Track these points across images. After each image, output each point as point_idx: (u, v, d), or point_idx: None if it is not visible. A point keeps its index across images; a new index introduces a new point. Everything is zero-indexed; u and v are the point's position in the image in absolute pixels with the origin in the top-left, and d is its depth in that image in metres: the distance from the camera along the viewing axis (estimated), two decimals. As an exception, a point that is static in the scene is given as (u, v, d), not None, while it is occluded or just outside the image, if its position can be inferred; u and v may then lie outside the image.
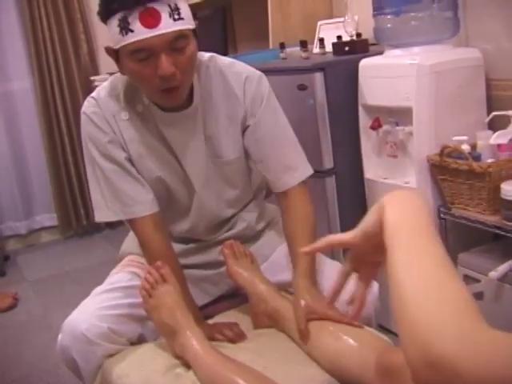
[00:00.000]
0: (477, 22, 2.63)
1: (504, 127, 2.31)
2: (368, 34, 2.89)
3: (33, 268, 4.57)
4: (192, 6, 4.16)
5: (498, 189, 2.14)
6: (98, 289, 1.93)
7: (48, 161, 4.93)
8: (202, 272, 2.06)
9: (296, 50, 3.13)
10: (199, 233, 2.04)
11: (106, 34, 1.66)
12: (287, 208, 1.92)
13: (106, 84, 1.89)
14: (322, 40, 3.13)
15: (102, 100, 1.84)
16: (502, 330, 2.15)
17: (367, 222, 1.13)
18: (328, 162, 2.76)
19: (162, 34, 1.58)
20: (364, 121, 2.71)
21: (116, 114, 1.84)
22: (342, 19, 3.04)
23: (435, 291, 0.84)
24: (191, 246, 2.07)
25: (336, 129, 2.75)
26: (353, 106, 2.73)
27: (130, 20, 1.56)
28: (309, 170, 1.96)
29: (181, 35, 1.61)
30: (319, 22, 3.37)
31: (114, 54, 1.68)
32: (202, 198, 1.93)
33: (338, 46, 2.95)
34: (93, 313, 1.79)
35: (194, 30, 1.68)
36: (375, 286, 1.92)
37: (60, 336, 1.82)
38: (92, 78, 4.82)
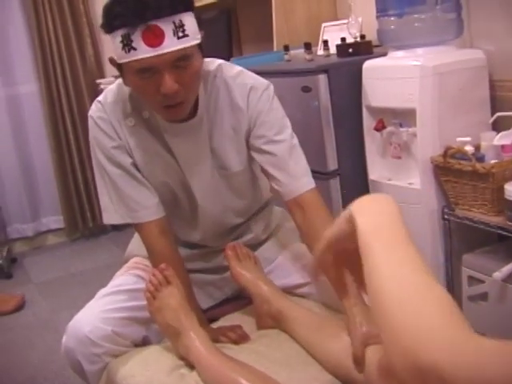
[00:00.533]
0: (480, 23, 2.63)
1: (508, 128, 2.31)
2: (372, 36, 2.89)
3: (39, 270, 4.58)
4: (197, 9, 4.15)
5: (501, 189, 2.14)
6: (103, 291, 1.94)
7: (54, 163, 4.94)
8: (206, 276, 2.08)
9: (300, 51, 3.14)
10: (205, 239, 2.04)
11: (112, 46, 1.65)
12: (305, 221, 1.83)
13: (114, 87, 1.87)
14: (326, 42, 3.14)
15: (109, 105, 1.83)
16: (506, 331, 2.15)
17: (334, 233, 1.08)
18: (332, 164, 2.77)
19: (165, 54, 1.54)
20: (368, 122, 2.72)
21: (122, 120, 1.82)
22: (345, 21, 3.05)
23: (420, 299, 0.82)
24: (196, 251, 2.08)
25: (340, 130, 2.76)
26: (357, 108, 2.73)
27: (132, 38, 1.53)
28: (312, 182, 1.89)
29: (185, 55, 1.58)
30: (323, 24, 3.39)
31: (118, 65, 1.66)
32: (206, 208, 1.93)
33: (342, 47, 2.96)
34: (97, 315, 1.80)
35: (199, 44, 1.64)
36: None
37: (64, 338, 1.83)
38: (98, 81, 4.83)
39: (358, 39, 2.94)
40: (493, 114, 2.45)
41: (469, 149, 2.27)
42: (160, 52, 1.53)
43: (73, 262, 4.66)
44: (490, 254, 2.39)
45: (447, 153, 2.31)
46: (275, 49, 3.49)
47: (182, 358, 1.71)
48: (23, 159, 4.95)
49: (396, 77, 2.50)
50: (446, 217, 2.43)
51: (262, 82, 1.88)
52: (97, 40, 4.91)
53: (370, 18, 2.82)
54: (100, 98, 1.87)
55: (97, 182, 1.91)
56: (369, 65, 2.67)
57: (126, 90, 1.82)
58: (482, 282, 2.33)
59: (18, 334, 3.54)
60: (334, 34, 3.23)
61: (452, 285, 2.52)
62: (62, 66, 4.82)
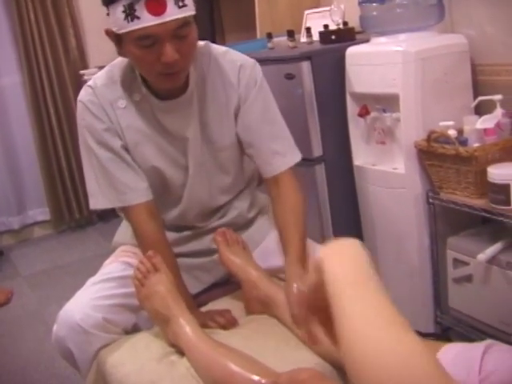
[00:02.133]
0: (461, 8, 2.64)
1: (490, 112, 2.33)
2: (354, 23, 2.90)
3: (26, 263, 4.58)
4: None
5: (484, 172, 2.16)
6: (92, 279, 1.95)
7: (39, 155, 4.93)
8: (194, 260, 2.08)
9: (283, 39, 3.14)
10: (190, 219, 2.05)
11: (95, 26, 1.67)
12: (277, 196, 1.93)
13: (103, 73, 1.90)
14: (308, 29, 3.14)
15: (99, 89, 1.86)
16: (491, 311, 2.17)
17: (308, 284, 1.06)
18: (317, 150, 2.78)
19: (168, 22, 1.60)
20: (352, 108, 2.73)
21: (113, 102, 1.85)
22: (328, 8, 3.06)
23: (391, 358, 0.80)
24: (184, 233, 2.08)
25: (324, 117, 2.78)
26: (340, 94, 2.74)
27: (136, 7, 1.57)
28: (297, 157, 1.98)
29: (185, 22, 1.64)
30: (306, 12, 3.39)
31: (115, 37, 1.70)
32: (195, 183, 1.95)
33: (325, 34, 2.96)
34: (87, 303, 1.81)
35: (194, 16, 1.70)
36: None
37: (55, 327, 1.84)
38: (81, 71, 4.81)
39: (341, 26, 2.95)
40: (475, 98, 2.46)
41: (452, 133, 2.29)
42: (163, 20, 1.59)
43: (60, 253, 4.67)
44: (475, 236, 2.42)
45: (431, 137, 2.33)
46: (258, 36, 3.50)
47: (171, 345, 1.73)
48: (7, 152, 4.93)
49: (379, 63, 2.51)
50: (430, 200, 2.45)
51: (250, 60, 1.95)
52: (79, 31, 4.89)
53: (352, 5, 2.83)
54: (90, 82, 1.89)
55: (84, 167, 1.92)
56: (352, 51, 2.68)
57: (116, 73, 1.87)
58: (467, 264, 2.35)
59: (6, 327, 3.55)
60: (316, 21, 3.24)
61: (437, 267, 2.55)
62: (45, 57, 4.80)
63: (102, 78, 1.88)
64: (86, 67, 4.90)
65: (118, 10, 1.60)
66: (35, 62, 4.79)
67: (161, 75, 1.71)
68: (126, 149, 1.88)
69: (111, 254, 2.14)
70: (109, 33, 1.72)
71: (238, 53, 1.96)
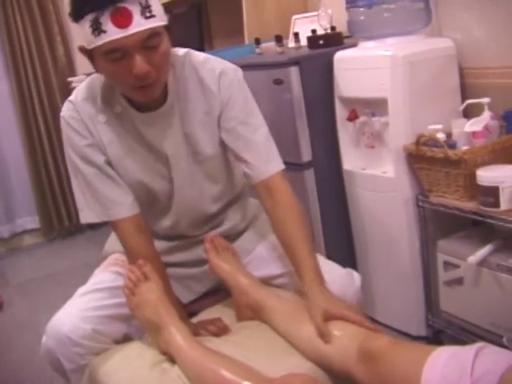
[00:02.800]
0: (448, 12, 2.66)
1: (478, 115, 2.34)
2: (342, 27, 2.91)
3: (16, 271, 4.55)
4: (167, 4, 4.15)
5: (473, 175, 2.17)
6: (82, 289, 1.94)
7: (28, 163, 4.91)
8: (186, 270, 2.08)
9: (271, 44, 3.14)
10: (182, 229, 2.04)
11: (81, 34, 1.66)
12: (273, 207, 1.88)
13: (84, 86, 1.88)
14: (296, 34, 3.14)
15: (79, 103, 1.84)
16: (482, 314, 2.18)
17: None
18: (306, 155, 2.78)
19: (135, 34, 1.56)
20: (341, 113, 2.74)
21: (93, 117, 1.83)
22: (315, 13, 3.06)
23: None
24: (175, 243, 2.08)
25: (313, 122, 2.77)
26: (329, 99, 2.75)
27: (101, 20, 1.54)
28: (282, 165, 1.93)
29: (153, 33, 1.60)
30: (293, 17, 3.39)
31: (87, 53, 1.67)
32: (183, 194, 1.94)
33: (313, 39, 2.97)
34: (76, 314, 1.80)
35: (166, 26, 1.67)
36: (357, 278, 1.96)
37: (44, 338, 1.83)
38: (69, 79, 4.79)
39: (329, 31, 2.95)
40: (463, 102, 2.47)
41: (441, 136, 2.29)
42: (130, 32, 1.55)
43: (50, 261, 4.65)
44: (465, 238, 2.42)
45: (419, 141, 2.34)
46: (246, 42, 3.50)
47: (163, 353, 1.72)
48: (-4, 160, 4.91)
49: (367, 67, 2.52)
50: (420, 204, 2.45)
51: (230, 66, 1.92)
52: (67, 38, 4.88)
53: (339, 10, 2.84)
54: (71, 97, 1.87)
55: (72, 181, 1.91)
56: (340, 56, 2.69)
57: (97, 86, 1.84)
58: (458, 266, 2.35)
59: (-3, 336, 3.53)
60: (304, 26, 3.24)
61: (428, 271, 2.55)
62: (33, 64, 4.79)
63: (83, 92, 1.86)
64: (73, 74, 4.89)
65: (86, 26, 1.58)
66: (23, 70, 4.78)
67: (135, 88, 1.67)
68: (110, 163, 1.87)
69: (101, 261, 2.14)
70: (82, 49, 1.68)
71: (218, 59, 1.93)
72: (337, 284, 1.84)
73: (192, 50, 1.92)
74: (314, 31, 2.99)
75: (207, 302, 2.09)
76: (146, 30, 1.57)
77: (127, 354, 1.79)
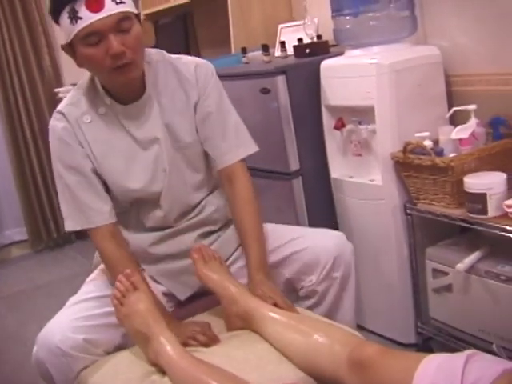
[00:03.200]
0: (433, 20, 2.67)
1: (464, 122, 2.35)
2: (328, 36, 2.92)
3: (4, 283, 4.52)
4: (153, 14, 4.16)
5: (461, 182, 2.17)
6: (73, 299, 1.94)
7: (15, 175, 4.89)
8: (178, 263, 2.07)
9: (258, 54, 3.15)
10: (172, 220, 2.08)
11: (62, 32, 1.76)
12: (232, 194, 2.07)
13: (68, 95, 2.03)
14: (283, 43, 3.15)
15: (65, 110, 1.97)
16: (471, 320, 2.19)
17: None
18: (294, 164, 2.78)
19: (108, 16, 1.74)
20: (328, 121, 2.74)
21: (79, 119, 1.96)
22: (302, 22, 3.07)
23: None
24: (161, 233, 2.08)
25: (300, 130, 2.77)
26: (316, 107, 2.75)
27: (77, 9, 1.72)
28: (251, 149, 2.10)
29: (124, 17, 1.77)
30: (280, 26, 3.40)
31: (70, 48, 1.84)
32: (171, 183, 2.01)
33: (299, 48, 2.97)
34: (67, 324, 1.79)
35: (137, 15, 1.85)
36: (352, 290, 2.05)
37: (35, 348, 1.81)
38: (56, 90, 4.79)
39: (315, 39, 2.96)
40: (449, 109, 2.48)
41: (428, 144, 2.30)
42: (102, 15, 1.73)
43: (38, 273, 4.62)
44: (453, 246, 2.42)
45: (407, 148, 2.34)
46: (233, 51, 3.51)
47: (152, 364, 1.71)
48: (-17, 172, 4.89)
49: (353, 75, 2.52)
50: (408, 211, 2.46)
51: (203, 60, 2.11)
52: (54, 49, 4.87)
53: (325, 18, 2.84)
54: (58, 108, 2.01)
55: (58, 191, 2.02)
56: (326, 64, 2.69)
57: (80, 92, 1.99)
58: (446, 273, 2.36)
59: (-15, 349, 3.50)
60: (290, 35, 3.25)
61: (417, 278, 2.55)
62: (19, 75, 4.77)
63: (67, 99, 2.00)
64: (60, 85, 4.88)
65: (64, 18, 1.76)
66: (9, 81, 4.76)
67: (113, 70, 1.81)
68: (95, 172, 1.98)
69: (91, 272, 2.13)
70: (64, 47, 1.87)
71: (190, 57, 2.13)
72: (333, 242, 2.05)
73: (163, 51, 2.10)
74: (300, 40, 3.00)
75: (196, 305, 2.08)
76: (117, 13, 1.75)
77: (115, 366, 1.78)
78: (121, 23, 1.77)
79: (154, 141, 1.98)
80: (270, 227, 2.14)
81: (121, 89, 1.93)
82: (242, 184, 2.06)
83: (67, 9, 1.74)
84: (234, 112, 2.11)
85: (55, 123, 1.97)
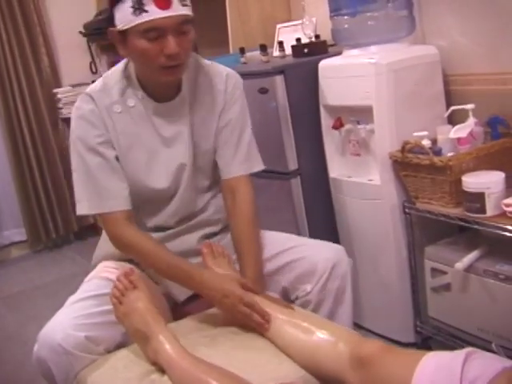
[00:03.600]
0: (432, 20, 2.67)
1: (463, 121, 2.36)
2: (326, 36, 2.92)
3: (3, 284, 4.51)
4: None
5: (459, 181, 2.18)
6: (73, 298, 1.94)
7: (14, 175, 4.87)
8: None
9: (256, 54, 3.15)
10: (173, 221, 2.09)
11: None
12: (232, 207, 2.06)
13: (98, 82, 2.01)
14: (281, 43, 3.15)
15: (96, 94, 1.95)
16: (470, 319, 2.19)
17: None
18: (292, 164, 2.78)
19: (173, 16, 1.76)
20: (326, 121, 2.75)
21: (109, 107, 1.95)
22: (300, 22, 3.07)
23: None
24: (163, 234, 2.09)
25: (299, 130, 2.78)
26: (314, 107, 2.76)
27: (144, 1, 1.73)
28: (258, 166, 2.12)
29: (187, 20, 1.81)
30: (278, 26, 3.40)
31: (119, 35, 1.83)
32: (185, 186, 2.03)
33: (297, 48, 2.98)
34: (68, 322, 1.79)
35: (192, 19, 1.86)
36: (348, 305, 2.04)
37: (36, 347, 1.81)
38: (55, 90, 4.79)
39: (313, 39, 2.96)
40: (448, 108, 2.49)
41: (426, 143, 2.31)
42: (170, 14, 1.76)
43: (37, 273, 4.61)
44: (452, 245, 2.43)
45: (405, 148, 2.35)
46: (231, 51, 3.50)
47: (151, 363, 1.70)
48: (-19, 173, 4.88)
49: (352, 75, 2.53)
50: (406, 211, 2.46)
51: (233, 71, 2.14)
52: (52, 50, 4.86)
53: (323, 18, 2.85)
54: (86, 90, 1.99)
55: (73, 175, 2.00)
56: (324, 64, 2.70)
57: (111, 80, 1.99)
58: (445, 273, 2.36)
59: (-16, 350, 3.50)
60: (288, 35, 3.25)
61: (415, 277, 2.56)
62: (18, 76, 4.76)
63: (98, 86, 1.99)
64: (59, 86, 4.87)
65: (126, 7, 1.76)
66: (8, 81, 4.74)
67: (163, 68, 1.83)
68: (117, 158, 1.96)
69: (92, 268, 2.13)
70: (112, 33, 1.85)
71: (220, 64, 2.14)
72: (331, 253, 2.03)
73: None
74: (298, 40, 3.00)
75: (198, 303, 2.07)
76: (182, 15, 1.79)
77: (114, 365, 1.77)
78: (182, 25, 1.80)
79: (178, 142, 2.00)
80: (267, 235, 2.15)
81: (159, 86, 1.96)
82: (243, 198, 2.05)
83: None
84: (250, 128, 2.13)
85: (82, 104, 1.96)
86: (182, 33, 1.81)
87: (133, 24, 1.77)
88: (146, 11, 1.74)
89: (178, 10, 1.77)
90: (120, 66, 2.01)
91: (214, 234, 2.16)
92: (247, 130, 2.11)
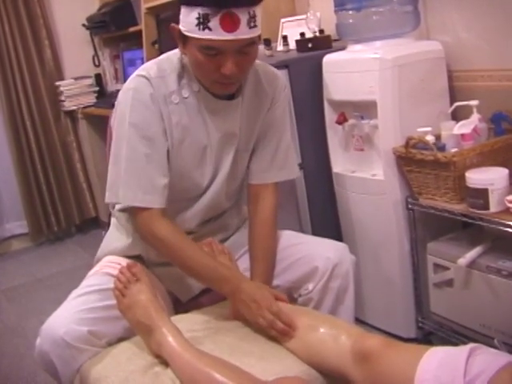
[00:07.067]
0: (436, 15, 2.67)
1: (467, 117, 2.36)
2: (330, 30, 2.91)
3: (5, 277, 4.52)
4: (155, 8, 4.13)
5: (463, 177, 2.18)
6: (76, 292, 1.93)
7: (16, 168, 4.88)
8: None
9: (260, 48, 3.13)
10: (195, 227, 2.05)
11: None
12: (254, 213, 2.04)
13: (153, 65, 1.90)
14: (285, 37, 3.15)
15: (154, 80, 1.85)
16: (472, 316, 2.19)
17: None
18: (296, 158, 2.77)
19: (237, 40, 1.67)
20: (330, 116, 2.74)
21: (167, 97, 1.86)
22: (304, 16, 3.07)
23: None
24: None
25: (302, 125, 2.78)
26: (318, 102, 2.75)
27: (210, 18, 1.64)
28: (293, 174, 2.12)
29: (251, 42, 1.72)
30: (282, 20, 3.39)
31: (180, 34, 1.76)
32: (217, 186, 2.00)
33: (302, 42, 2.97)
34: (71, 316, 1.79)
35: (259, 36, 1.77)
36: (350, 305, 2.03)
37: (38, 340, 1.81)
38: (57, 83, 4.79)
39: (317, 34, 2.96)
40: (452, 104, 2.49)
41: (430, 139, 2.30)
42: (234, 38, 1.66)
43: (39, 266, 4.62)
44: (454, 241, 2.43)
45: (409, 143, 2.34)
46: (235, 46, 3.50)
47: (155, 356, 1.71)
48: (-17, 165, 4.88)
49: (356, 70, 2.52)
50: (410, 206, 2.46)
51: (280, 72, 2.11)
52: (55, 42, 4.86)
53: (328, 13, 2.84)
54: (142, 73, 1.87)
55: (114, 157, 1.88)
56: (328, 59, 2.69)
57: (167, 67, 1.89)
58: (448, 268, 2.36)
59: (-14, 342, 3.50)
60: (292, 29, 3.25)
61: (418, 273, 2.56)
62: (20, 68, 4.76)
63: (155, 70, 1.87)
64: (61, 78, 4.87)
65: (192, 15, 1.67)
66: (10, 74, 4.74)
67: (216, 83, 1.80)
68: (168, 151, 1.88)
69: (91, 265, 2.12)
70: (175, 29, 1.78)
71: (269, 65, 2.09)
72: (334, 251, 2.02)
73: None
74: (302, 34, 3.00)
75: (204, 300, 2.09)
76: (246, 38, 1.69)
77: (118, 358, 1.77)
78: (245, 47, 1.72)
79: (226, 143, 1.96)
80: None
81: None
82: (267, 206, 2.03)
83: (201, 10, 1.65)
84: (289, 133, 2.10)
85: (141, 86, 1.84)
86: (244, 53, 1.73)
87: (194, 36, 1.69)
88: (210, 29, 1.65)
89: (245, 33, 1.67)
90: (177, 52, 1.91)
91: (225, 240, 2.15)
92: (287, 135, 2.08)
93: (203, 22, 1.65)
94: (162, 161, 1.86)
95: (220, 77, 1.75)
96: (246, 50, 1.72)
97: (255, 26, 1.69)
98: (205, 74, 1.79)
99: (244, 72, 1.80)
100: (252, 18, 1.67)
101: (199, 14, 1.65)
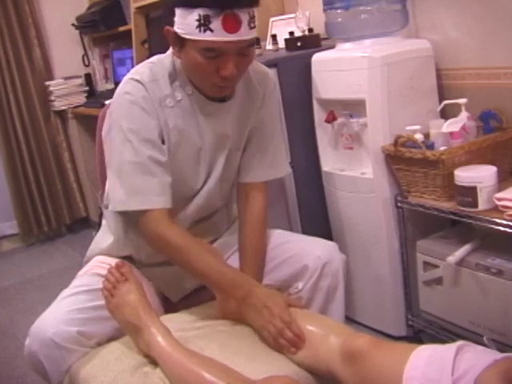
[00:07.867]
0: (425, 14, 2.67)
1: (455, 115, 2.36)
2: (320, 29, 2.92)
3: (-5, 277, 4.52)
4: (145, 7, 4.12)
5: (451, 175, 2.18)
6: (65, 292, 1.93)
7: (6, 168, 4.86)
8: (176, 268, 1.95)
9: (249, 47, 3.14)
10: (187, 225, 2.02)
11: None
12: (244, 212, 2.05)
13: (145, 69, 1.87)
14: (274, 36, 3.16)
15: (148, 84, 1.82)
16: (461, 313, 2.20)
17: None
18: (285, 157, 2.78)
19: (239, 41, 1.67)
20: (319, 114, 2.74)
21: (162, 101, 1.84)
22: (293, 15, 3.07)
23: None
24: None
25: (291, 123, 2.78)
26: (307, 101, 2.76)
27: (212, 19, 1.62)
28: (284, 171, 2.12)
29: (251, 43, 1.74)
30: (271, 19, 3.40)
31: (175, 37, 1.73)
32: (204, 192, 1.99)
33: (291, 41, 2.97)
34: (61, 317, 1.79)
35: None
36: (340, 303, 2.04)
37: (27, 341, 1.81)
38: (47, 82, 4.77)
39: (306, 33, 2.96)
40: (440, 102, 2.49)
41: (418, 137, 2.31)
42: (236, 38, 1.66)
43: (29, 267, 4.60)
44: (444, 238, 2.43)
45: (398, 142, 2.35)
46: (225, 45, 3.49)
47: (144, 355, 1.71)
48: (-27, 166, 4.86)
49: (345, 68, 2.52)
50: (399, 204, 2.47)
51: (270, 71, 2.09)
52: (44, 42, 4.84)
53: (317, 12, 2.85)
54: (135, 77, 1.84)
55: (112, 166, 1.86)
56: (317, 57, 2.69)
57: (160, 71, 1.86)
58: (437, 266, 2.36)
59: (-24, 343, 3.49)
60: (282, 28, 3.25)
61: (407, 271, 2.56)
62: (10, 68, 4.73)
63: (147, 75, 1.84)
64: (51, 78, 4.85)
65: (191, 17, 1.64)
66: (-1, 74, 4.74)
67: (214, 86, 1.79)
68: (167, 151, 1.86)
69: (82, 265, 2.12)
70: (169, 32, 1.75)
71: (258, 63, 2.06)
72: (323, 249, 2.02)
73: None
74: (291, 33, 3.00)
75: (193, 299, 2.09)
76: (248, 39, 1.70)
77: (107, 358, 1.77)
78: (245, 48, 1.72)
79: (219, 145, 1.94)
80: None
81: None
82: (257, 205, 2.04)
83: (200, 11, 1.62)
84: (279, 130, 2.11)
85: (133, 90, 1.81)
86: (244, 55, 1.74)
87: (194, 38, 1.67)
88: (211, 30, 1.63)
89: (246, 34, 1.67)
90: (168, 54, 1.89)
91: (214, 241, 2.14)
92: (277, 132, 2.08)
93: (204, 24, 1.63)
94: (164, 161, 1.83)
95: (219, 80, 1.75)
96: (245, 51, 1.73)
97: (255, 26, 1.70)
98: (203, 77, 1.78)
99: (241, 73, 1.81)
100: (252, 18, 1.69)
101: (199, 15, 1.63)
